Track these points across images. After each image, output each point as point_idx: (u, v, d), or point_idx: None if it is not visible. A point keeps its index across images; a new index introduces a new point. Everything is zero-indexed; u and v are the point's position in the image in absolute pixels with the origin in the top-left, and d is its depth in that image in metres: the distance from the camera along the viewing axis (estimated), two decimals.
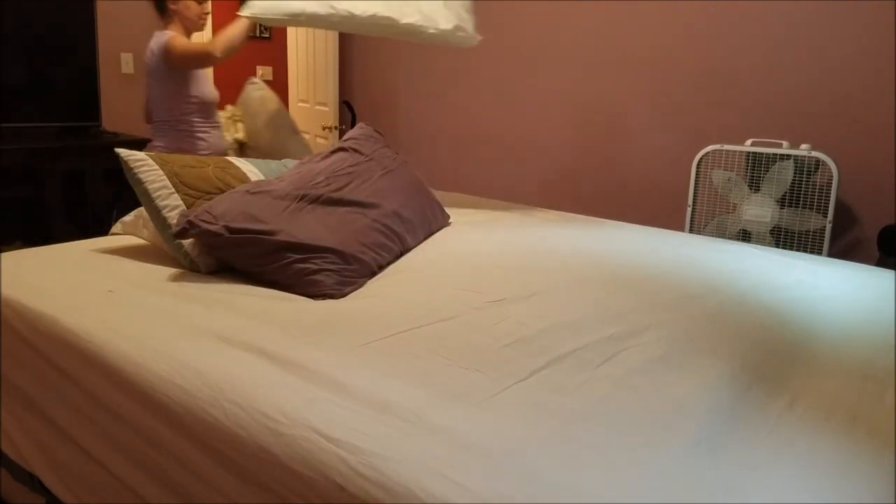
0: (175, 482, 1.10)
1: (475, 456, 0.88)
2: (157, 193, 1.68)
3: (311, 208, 1.71)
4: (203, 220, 1.56)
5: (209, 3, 2.80)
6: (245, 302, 1.44)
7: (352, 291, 1.55)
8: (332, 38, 4.70)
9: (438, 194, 2.76)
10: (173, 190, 1.70)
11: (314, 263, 1.55)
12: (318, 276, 1.53)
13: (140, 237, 1.86)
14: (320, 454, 0.90)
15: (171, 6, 2.70)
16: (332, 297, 1.51)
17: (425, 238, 2.04)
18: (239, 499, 0.99)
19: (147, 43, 2.71)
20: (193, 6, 2.72)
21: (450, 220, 2.26)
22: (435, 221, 2.14)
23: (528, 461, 0.87)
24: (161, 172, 1.71)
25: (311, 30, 4.88)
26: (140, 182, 1.69)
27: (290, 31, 5.16)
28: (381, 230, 1.78)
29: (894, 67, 2.80)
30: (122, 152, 1.71)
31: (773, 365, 1.21)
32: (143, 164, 1.71)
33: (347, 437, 0.91)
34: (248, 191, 1.70)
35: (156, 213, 1.68)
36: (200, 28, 2.81)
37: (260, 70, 5.98)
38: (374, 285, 1.61)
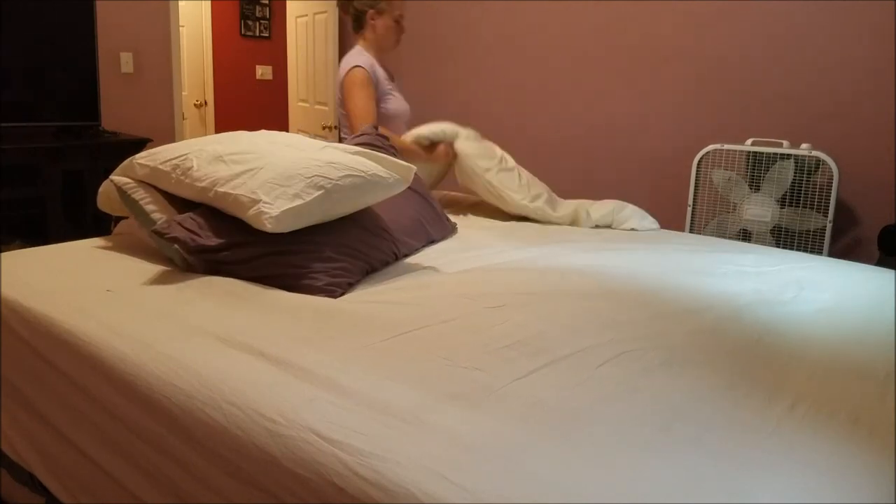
0: (173, 483, 1.10)
1: (474, 456, 0.88)
2: (148, 208, 1.70)
3: None
4: (181, 225, 1.57)
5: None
6: (243, 301, 1.43)
7: (343, 293, 1.54)
8: (332, 38, 4.70)
9: (439, 195, 2.75)
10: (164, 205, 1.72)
11: (298, 268, 1.54)
12: (305, 281, 1.52)
13: (141, 237, 1.86)
14: (319, 455, 0.90)
15: (370, 21, 2.58)
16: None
17: (428, 244, 2.03)
18: (237, 500, 0.99)
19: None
20: (391, 26, 2.59)
21: (456, 230, 2.24)
22: (438, 228, 2.12)
23: (527, 461, 0.87)
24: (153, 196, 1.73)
25: (311, 30, 4.89)
26: (134, 202, 1.72)
27: (290, 30, 5.16)
28: (371, 229, 1.77)
29: (894, 67, 2.79)
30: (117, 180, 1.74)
31: (772, 372, 1.21)
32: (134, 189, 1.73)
33: (346, 439, 0.91)
34: None
35: (144, 217, 1.69)
36: (392, 47, 2.68)
37: (260, 70, 5.98)
38: (372, 287, 1.60)
